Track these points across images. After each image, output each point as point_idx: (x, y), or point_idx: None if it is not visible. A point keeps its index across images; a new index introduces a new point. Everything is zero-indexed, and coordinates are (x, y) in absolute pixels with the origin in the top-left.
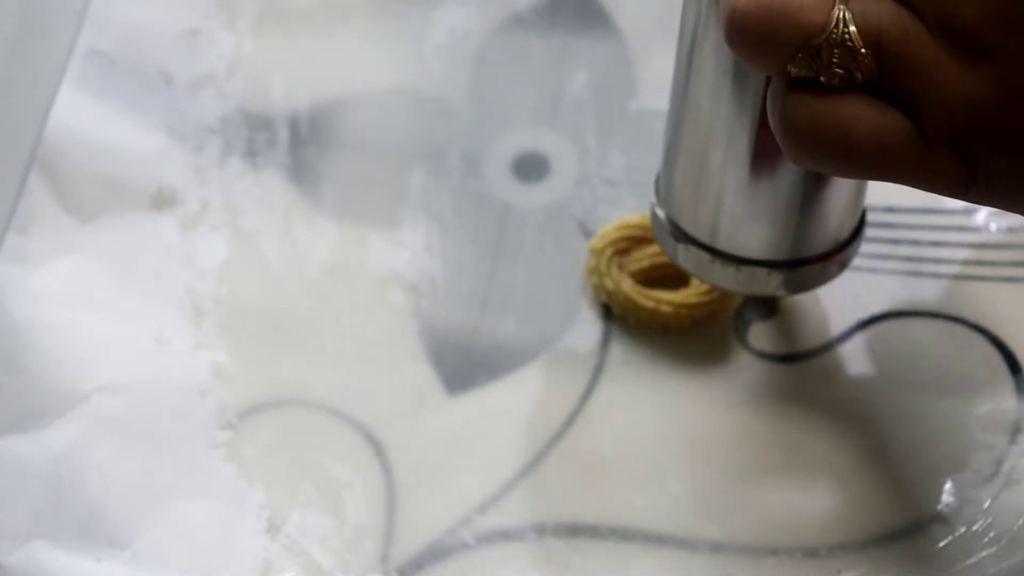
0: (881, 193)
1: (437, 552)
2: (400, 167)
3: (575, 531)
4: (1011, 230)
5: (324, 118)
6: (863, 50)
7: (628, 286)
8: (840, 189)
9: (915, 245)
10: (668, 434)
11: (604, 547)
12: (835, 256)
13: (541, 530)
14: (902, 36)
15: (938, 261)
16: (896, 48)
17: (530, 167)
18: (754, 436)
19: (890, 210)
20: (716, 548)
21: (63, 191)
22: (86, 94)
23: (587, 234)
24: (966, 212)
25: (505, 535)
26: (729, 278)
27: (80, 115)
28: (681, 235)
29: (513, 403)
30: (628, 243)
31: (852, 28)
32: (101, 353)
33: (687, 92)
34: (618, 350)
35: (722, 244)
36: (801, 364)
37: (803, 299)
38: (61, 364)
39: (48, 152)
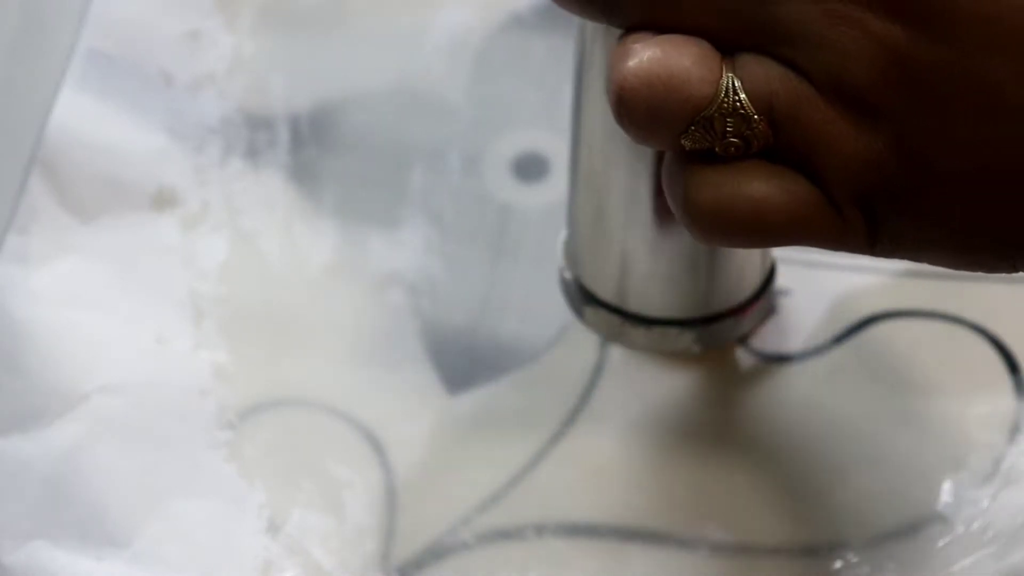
0: None
1: (437, 552)
2: (400, 167)
3: (575, 531)
4: None
5: (324, 118)
6: (756, 116)
7: None
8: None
9: None
10: (668, 434)
11: (604, 547)
12: (748, 309)
13: (541, 530)
14: (794, 100)
15: None
16: (789, 112)
17: (530, 167)
18: (753, 436)
19: None
20: (716, 548)
21: (64, 191)
22: (87, 94)
23: None
24: None
25: (505, 535)
26: (640, 339)
27: (80, 115)
28: (589, 298)
29: (513, 403)
30: None
31: (743, 95)
32: (101, 353)
33: (580, 158)
34: (618, 350)
35: (631, 306)
36: (801, 364)
37: (803, 299)
38: (61, 364)
39: (49, 152)
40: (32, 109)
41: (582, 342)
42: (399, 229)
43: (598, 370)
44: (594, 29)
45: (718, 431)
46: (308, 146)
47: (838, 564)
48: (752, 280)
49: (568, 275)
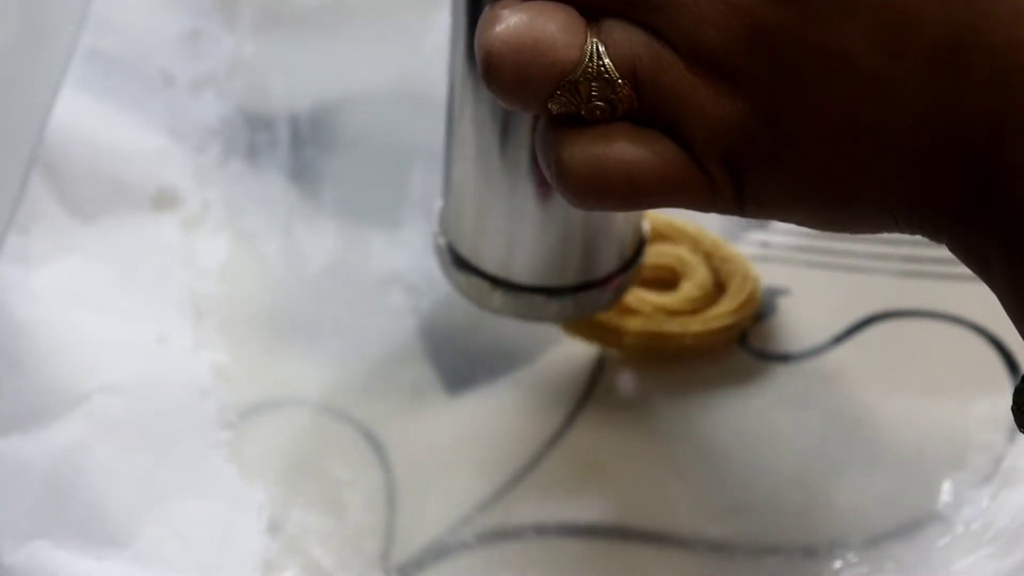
0: None
1: (437, 552)
2: (400, 167)
3: (575, 531)
4: None
5: (325, 118)
6: (620, 80)
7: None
8: (614, 215)
9: (914, 245)
10: (668, 434)
11: (604, 547)
12: (613, 280)
13: (541, 530)
14: (656, 64)
15: (937, 261)
16: (652, 76)
17: None
18: (753, 436)
19: None
20: (716, 548)
21: (64, 191)
22: (87, 94)
23: None
24: None
25: (505, 535)
26: (508, 306)
27: (81, 115)
28: (462, 264)
29: (513, 403)
30: None
31: (607, 60)
32: (102, 353)
33: (453, 126)
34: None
35: (501, 272)
36: (800, 364)
37: (803, 299)
38: (62, 364)
39: (49, 152)
40: (33, 109)
41: (582, 342)
42: (399, 229)
43: (598, 370)
44: None
45: (718, 431)
46: (308, 146)
47: (838, 564)
48: (621, 252)
49: (441, 240)
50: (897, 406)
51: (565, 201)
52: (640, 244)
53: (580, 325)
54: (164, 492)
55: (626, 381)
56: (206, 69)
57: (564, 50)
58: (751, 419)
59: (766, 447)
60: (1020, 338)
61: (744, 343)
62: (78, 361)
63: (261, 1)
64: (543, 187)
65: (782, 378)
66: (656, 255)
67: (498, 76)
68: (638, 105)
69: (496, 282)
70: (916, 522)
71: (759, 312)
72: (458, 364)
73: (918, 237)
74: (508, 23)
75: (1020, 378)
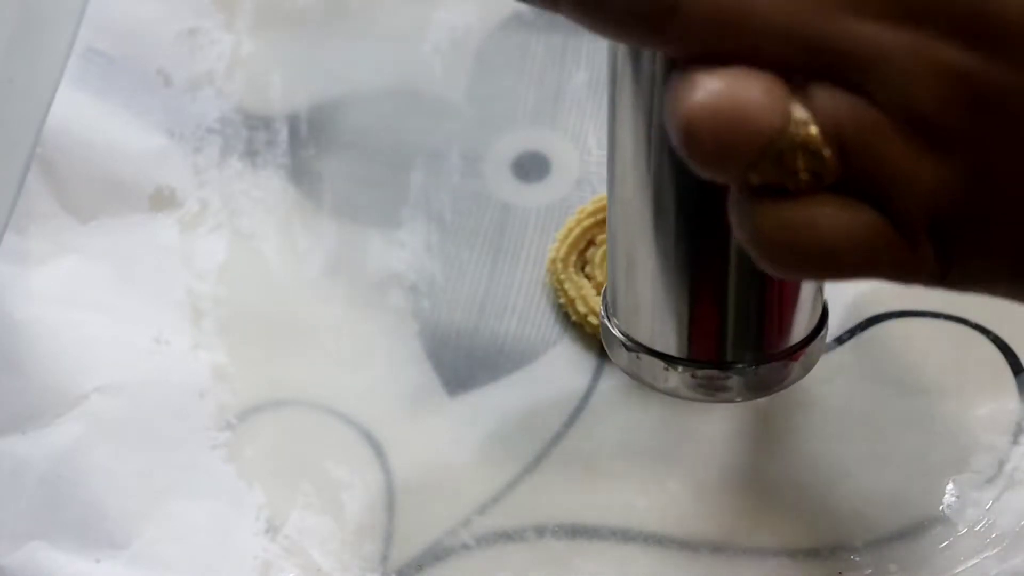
0: None
1: (437, 553)
2: (400, 167)
3: (575, 532)
4: None
5: (323, 118)
6: (825, 149)
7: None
8: (795, 287)
9: None
10: (668, 434)
11: (604, 548)
12: (797, 354)
13: (541, 531)
14: (863, 130)
15: None
16: (859, 143)
17: (530, 167)
18: (754, 437)
19: None
20: (717, 549)
21: (62, 191)
22: (85, 93)
23: None
24: None
25: (505, 536)
26: (686, 386)
27: (79, 115)
28: (633, 344)
29: (513, 403)
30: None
31: (812, 128)
32: (100, 353)
33: (614, 209)
34: None
35: (674, 350)
36: None
37: None
38: (60, 364)
39: (47, 151)
40: (31, 108)
41: (582, 342)
42: (399, 229)
43: (598, 370)
44: (631, 56)
45: (718, 431)
46: (307, 146)
47: (840, 566)
48: (802, 325)
49: (610, 324)
50: (900, 407)
51: (743, 274)
52: (823, 316)
53: (583, 322)
54: (163, 493)
55: (626, 381)
56: (204, 68)
57: (768, 117)
58: (752, 420)
59: (767, 448)
60: (1022, 338)
61: None
62: (76, 361)
63: (260, 0)
64: (711, 264)
65: None
66: None
67: (698, 145)
68: (842, 173)
69: (670, 360)
70: (919, 524)
71: None
72: (458, 365)
73: None
74: (708, 89)
75: None
